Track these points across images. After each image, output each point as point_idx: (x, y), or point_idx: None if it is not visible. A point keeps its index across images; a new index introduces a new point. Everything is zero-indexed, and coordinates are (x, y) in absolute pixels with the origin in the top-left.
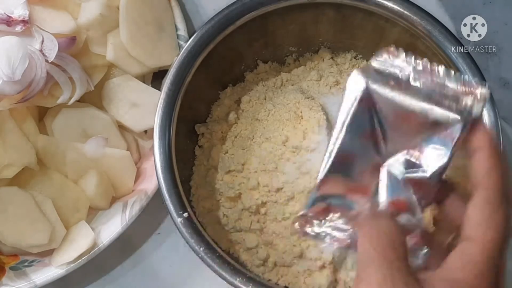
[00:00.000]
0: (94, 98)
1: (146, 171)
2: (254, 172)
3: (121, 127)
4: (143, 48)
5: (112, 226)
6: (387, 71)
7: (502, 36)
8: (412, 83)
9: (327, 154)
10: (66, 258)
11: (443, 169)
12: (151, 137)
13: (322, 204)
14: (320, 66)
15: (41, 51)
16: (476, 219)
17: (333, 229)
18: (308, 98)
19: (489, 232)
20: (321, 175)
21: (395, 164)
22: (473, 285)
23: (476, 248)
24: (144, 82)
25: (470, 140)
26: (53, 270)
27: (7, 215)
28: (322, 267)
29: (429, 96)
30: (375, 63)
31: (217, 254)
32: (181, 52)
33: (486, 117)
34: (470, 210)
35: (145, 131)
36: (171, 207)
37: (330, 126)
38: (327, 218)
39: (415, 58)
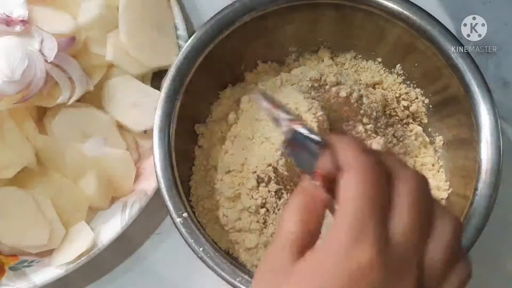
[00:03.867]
0: (94, 98)
1: (146, 171)
2: (254, 172)
3: (121, 127)
4: (142, 48)
5: (111, 226)
6: None
7: (502, 36)
8: None
9: None
10: (66, 258)
11: None
12: (151, 137)
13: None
14: (320, 66)
15: (40, 51)
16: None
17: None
18: (308, 98)
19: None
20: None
21: None
22: None
23: None
24: (143, 82)
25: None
26: (52, 270)
27: (6, 215)
28: None
29: None
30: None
31: (217, 254)
32: (181, 52)
33: (486, 117)
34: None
35: (145, 131)
36: (171, 207)
37: (329, 126)
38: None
39: None
